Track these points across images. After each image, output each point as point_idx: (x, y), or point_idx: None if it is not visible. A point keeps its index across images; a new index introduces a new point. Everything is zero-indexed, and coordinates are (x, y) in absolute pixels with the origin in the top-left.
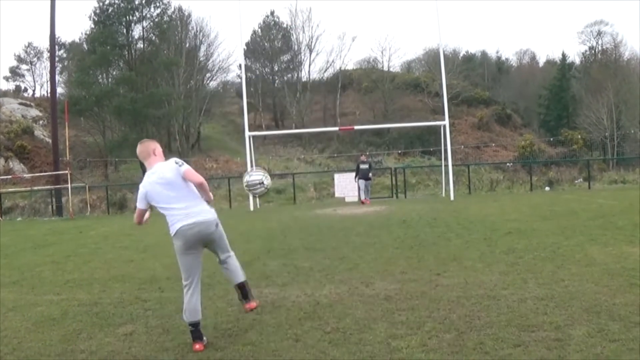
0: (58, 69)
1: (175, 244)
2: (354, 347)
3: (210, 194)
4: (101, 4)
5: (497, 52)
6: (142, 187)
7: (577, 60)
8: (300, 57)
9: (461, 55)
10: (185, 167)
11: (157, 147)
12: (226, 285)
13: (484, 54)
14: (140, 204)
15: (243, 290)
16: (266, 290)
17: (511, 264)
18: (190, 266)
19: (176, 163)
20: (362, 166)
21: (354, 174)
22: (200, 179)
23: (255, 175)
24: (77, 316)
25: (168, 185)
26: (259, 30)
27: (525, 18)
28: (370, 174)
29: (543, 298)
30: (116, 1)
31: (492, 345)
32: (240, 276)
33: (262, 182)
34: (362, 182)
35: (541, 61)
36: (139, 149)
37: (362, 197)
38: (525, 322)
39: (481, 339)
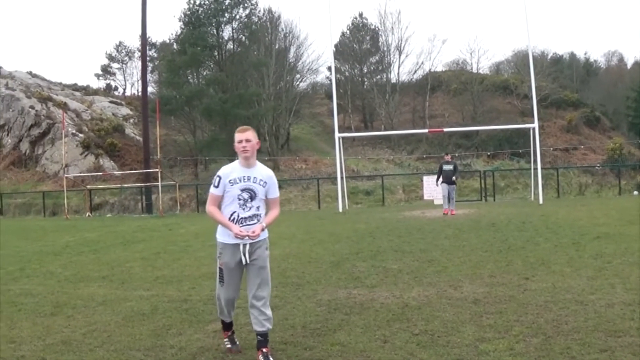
0: (149, 69)
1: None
2: (442, 349)
3: None
4: (191, 5)
5: (585, 54)
6: None
7: None
8: (389, 59)
9: (549, 56)
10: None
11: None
12: (314, 285)
13: (572, 55)
14: None
15: None
16: (355, 291)
17: (599, 269)
18: None
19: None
20: (446, 167)
21: (436, 176)
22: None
23: None
24: (167, 312)
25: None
26: (348, 32)
27: (613, 19)
28: (455, 177)
29: (630, 303)
30: (206, 2)
31: (579, 350)
32: None
33: None
34: (445, 186)
35: (629, 62)
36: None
37: (446, 206)
38: (613, 328)
39: (568, 344)
